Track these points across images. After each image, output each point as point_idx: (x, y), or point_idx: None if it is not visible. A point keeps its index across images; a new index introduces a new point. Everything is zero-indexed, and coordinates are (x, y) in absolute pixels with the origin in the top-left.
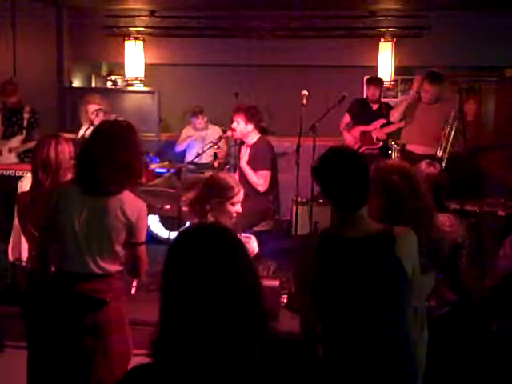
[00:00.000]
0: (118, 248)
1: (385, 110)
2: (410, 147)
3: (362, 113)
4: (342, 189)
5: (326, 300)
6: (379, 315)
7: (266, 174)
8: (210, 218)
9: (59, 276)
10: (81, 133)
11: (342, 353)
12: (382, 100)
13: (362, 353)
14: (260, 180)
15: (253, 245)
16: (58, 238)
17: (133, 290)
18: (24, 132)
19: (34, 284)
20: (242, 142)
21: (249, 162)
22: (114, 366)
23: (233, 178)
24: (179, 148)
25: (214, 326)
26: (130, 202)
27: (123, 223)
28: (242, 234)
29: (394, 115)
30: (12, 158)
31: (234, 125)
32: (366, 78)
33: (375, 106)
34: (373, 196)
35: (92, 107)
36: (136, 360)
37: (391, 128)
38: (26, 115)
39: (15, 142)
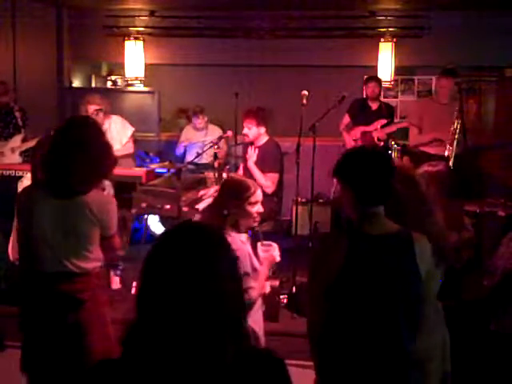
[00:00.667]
0: (93, 246)
1: (385, 110)
2: (424, 148)
3: (362, 113)
4: (370, 180)
5: (344, 295)
6: (392, 314)
7: (274, 176)
8: (230, 221)
9: (36, 276)
10: None
11: (346, 350)
12: (382, 100)
13: (368, 352)
14: (268, 182)
15: (274, 253)
16: (30, 239)
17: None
18: (22, 131)
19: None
20: (250, 143)
21: (257, 163)
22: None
23: (248, 179)
24: (178, 152)
25: (184, 327)
26: (96, 199)
27: (93, 222)
28: (264, 242)
29: (414, 142)
30: (16, 158)
31: (246, 130)
32: (364, 77)
33: (375, 106)
34: None
35: (92, 107)
36: None
37: (392, 128)
38: (17, 114)
39: (16, 141)
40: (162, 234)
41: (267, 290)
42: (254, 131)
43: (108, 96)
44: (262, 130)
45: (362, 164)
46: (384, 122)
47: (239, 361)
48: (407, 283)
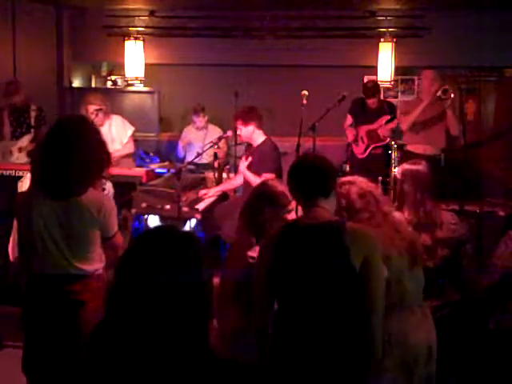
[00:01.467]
0: (93, 248)
1: (386, 108)
2: (411, 147)
3: (363, 112)
4: (301, 178)
5: (280, 283)
6: (322, 303)
7: (270, 176)
8: (267, 229)
9: (36, 278)
10: None
11: (293, 338)
12: (382, 98)
13: (311, 336)
14: None
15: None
16: (30, 241)
17: None
18: (32, 131)
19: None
20: (249, 145)
21: (252, 164)
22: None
23: (283, 184)
24: (180, 154)
25: (149, 327)
26: (94, 200)
27: (92, 223)
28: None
29: (407, 123)
30: (23, 158)
31: (238, 132)
32: (362, 84)
33: (374, 105)
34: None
35: (92, 107)
36: None
37: (395, 123)
38: (32, 113)
39: (24, 141)
40: (139, 236)
41: None
42: (243, 131)
43: (108, 96)
44: (251, 127)
45: (298, 168)
46: (388, 117)
47: (199, 369)
48: (333, 267)
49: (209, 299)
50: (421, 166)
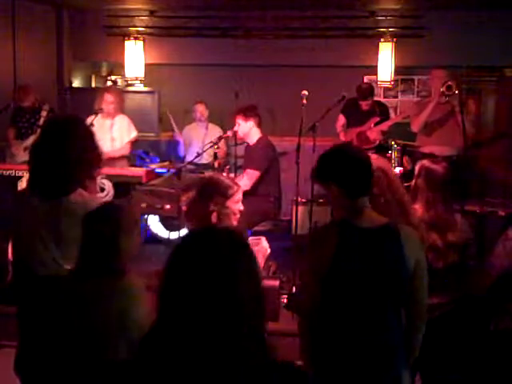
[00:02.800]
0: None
1: (377, 109)
2: (426, 149)
3: (355, 113)
4: (353, 174)
5: (336, 284)
6: (378, 305)
7: (253, 173)
8: (214, 219)
9: (28, 279)
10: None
11: (337, 338)
12: (374, 99)
13: (357, 340)
14: (244, 180)
15: (264, 244)
16: (21, 243)
17: None
18: (38, 131)
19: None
20: (243, 142)
21: (245, 161)
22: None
23: (229, 177)
24: (180, 152)
25: (205, 331)
26: (83, 202)
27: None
28: (251, 237)
29: (418, 124)
30: (26, 157)
31: (236, 127)
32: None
33: (366, 107)
34: None
35: (109, 97)
36: None
37: (385, 125)
38: (43, 113)
39: (30, 141)
40: (182, 237)
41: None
42: (242, 126)
43: None
44: (251, 123)
45: (343, 160)
46: (377, 119)
47: (256, 373)
48: (395, 273)
49: (262, 299)
50: (439, 167)
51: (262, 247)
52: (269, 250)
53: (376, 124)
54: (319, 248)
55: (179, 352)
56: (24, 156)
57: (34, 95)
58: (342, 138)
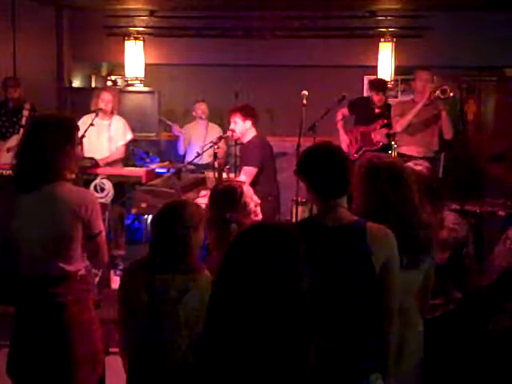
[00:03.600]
0: (75, 246)
1: (387, 111)
2: (404, 150)
3: (366, 113)
4: (324, 177)
5: None
6: (343, 304)
7: (250, 169)
8: (236, 229)
9: (18, 280)
10: (88, 121)
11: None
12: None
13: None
14: (241, 176)
15: None
16: (11, 243)
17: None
18: (21, 130)
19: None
20: (237, 140)
21: (240, 161)
22: (79, 367)
23: (230, 180)
24: (180, 150)
25: (265, 332)
26: (75, 195)
27: (73, 219)
28: None
29: (402, 124)
30: (9, 158)
31: (232, 126)
32: (368, 80)
33: (378, 109)
34: (359, 190)
35: (107, 95)
36: (113, 359)
37: (387, 129)
38: (25, 112)
39: (13, 141)
40: (236, 237)
41: None
42: (240, 125)
43: None
44: (248, 123)
45: (318, 161)
46: (384, 121)
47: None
48: (357, 273)
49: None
50: (422, 168)
51: None
52: None
53: (382, 126)
54: None
55: (237, 353)
56: (7, 157)
57: (21, 89)
58: (342, 135)
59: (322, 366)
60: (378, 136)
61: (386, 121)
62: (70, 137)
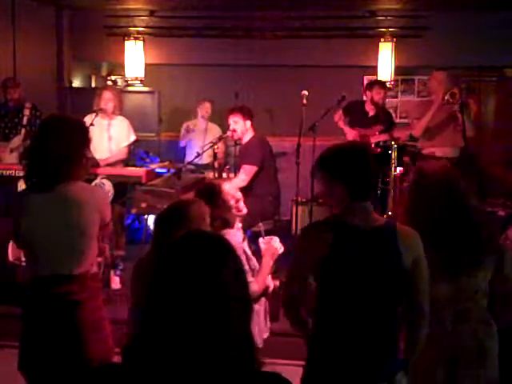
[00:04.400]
0: (91, 243)
1: (382, 117)
2: (428, 151)
3: (360, 117)
4: (363, 176)
5: (330, 279)
6: (373, 303)
7: (250, 168)
8: (220, 226)
9: (34, 281)
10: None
11: (333, 334)
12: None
13: (351, 337)
14: (241, 175)
15: (275, 244)
16: (27, 243)
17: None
18: (22, 131)
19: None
20: (237, 141)
21: (239, 159)
22: (92, 365)
23: (210, 180)
24: (182, 143)
25: (190, 337)
26: (90, 193)
27: (90, 216)
28: (264, 238)
29: (420, 128)
30: (13, 159)
31: (233, 125)
32: (368, 81)
33: (372, 112)
34: (411, 199)
35: (108, 94)
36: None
37: (386, 137)
38: (26, 112)
39: (15, 142)
40: (168, 245)
41: (271, 286)
42: (240, 125)
43: None
44: (248, 123)
45: (356, 160)
46: (381, 128)
47: (240, 381)
48: (390, 273)
49: (249, 304)
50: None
51: (271, 246)
52: (281, 250)
53: (381, 132)
54: (310, 247)
55: (165, 356)
56: (11, 158)
57: (21, 90)
58: (348, 130)
59: (350, 364)
60: (375, 140)
61: (382, 127)
62: (84, 137)
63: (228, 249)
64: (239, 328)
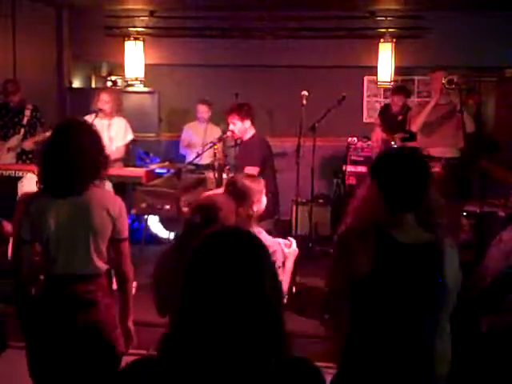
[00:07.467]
0: (104, 246)
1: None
2: (425, 151)
3: (389, 119)
4: (406, 187)
5: (371, 298)
6: (415, 320)
7: (253, 170)
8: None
9: (49, 281)
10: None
11: (371, 346)
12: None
13: (391, 353)
14: None
15: (294, 247)
16: (41, 245)
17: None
18: (22, 131)
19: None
20: (237, 140)
21: (238, 159)
22: (104, 364)
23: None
24: (182, 150)
25: (228, 331)
26: (109, 198)
27: (107, 220)
28: (282, 239)
29: (417, 124)
30: (9, 159)
31: (231, 127)
32: (368, 81)
33: (400, 117)
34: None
35: (105, 96)
36: (129, 360)
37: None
38: (27, 112)
39: (13, 141)
40: (204, 239)
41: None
42: (239, 126)
43: None
44: (248, 123)
45: (401, 168)
46: (406, 136)
47: (280, 369)
48: (433, 294)
49: (280, 300)
50: (436, 169)
51: (294, 250)
52: (297, 251)
53: (403, 140)
54: (351, 258)
55: (202, 350)
56: (8, 157)
57: (21, 93)
58: (375, 132)
59: (394, 373)
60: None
61: (407, 135)
62: (101, 142)
63: (261, 246)
64: (274, 320)
